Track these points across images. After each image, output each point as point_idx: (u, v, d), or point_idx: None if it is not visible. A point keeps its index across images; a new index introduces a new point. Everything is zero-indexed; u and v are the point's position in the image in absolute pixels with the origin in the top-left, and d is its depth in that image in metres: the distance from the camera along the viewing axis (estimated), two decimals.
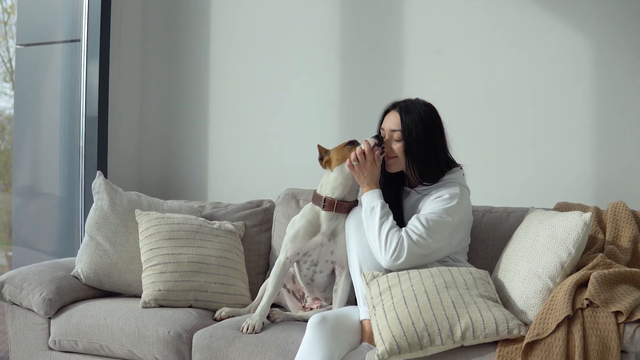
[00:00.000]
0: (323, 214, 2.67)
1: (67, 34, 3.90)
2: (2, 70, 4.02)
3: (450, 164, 2.65)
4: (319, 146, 2.74)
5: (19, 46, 3.95)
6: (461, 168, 2.68)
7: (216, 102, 3.94)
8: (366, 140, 2.62)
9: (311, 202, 2.72)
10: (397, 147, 2.62)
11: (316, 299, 2.82)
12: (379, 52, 3.59)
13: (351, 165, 2.61)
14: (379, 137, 2.62)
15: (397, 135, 2.61)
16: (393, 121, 2.63)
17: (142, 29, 4.05)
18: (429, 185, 2.62)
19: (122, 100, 3.93)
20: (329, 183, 2.68)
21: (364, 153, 2.58)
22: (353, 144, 2.67)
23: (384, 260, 2.48)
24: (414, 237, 2.47)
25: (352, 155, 2.60)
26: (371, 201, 2.57)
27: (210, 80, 3.94)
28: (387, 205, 2.56)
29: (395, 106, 2.66)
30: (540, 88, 3.31)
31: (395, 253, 2.45)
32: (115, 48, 3.86)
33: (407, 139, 2.59)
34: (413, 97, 2.69)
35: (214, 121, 3.94)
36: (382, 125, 2.68)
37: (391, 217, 2.53)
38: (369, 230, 2.54)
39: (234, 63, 3.90)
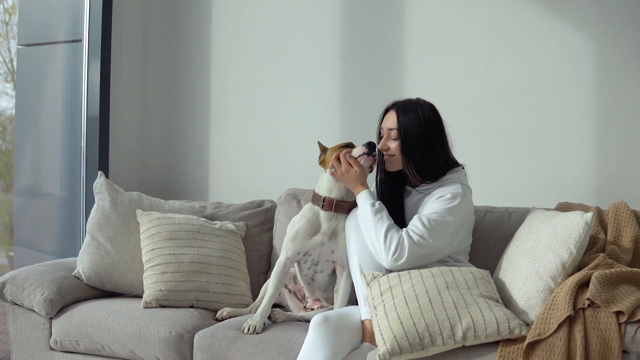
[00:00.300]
0: (322, 213, 2.68)
1: (68, 34, 3.90)
2: (4, 70, 4.03)
3: (451, 163, 2.66)
4: (319, 143, 2.74)
5: (20, 46, 3.95)
6: (463, 168, 2.68)
7: (217, 102, 3.94)
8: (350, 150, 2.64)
9: (311, 202, 2.72)
10: (394, 145, 2.63)
11: (317, 299, 2.82)
12: (380, 53, 3.59)
13: (331, 172, 2.64)
14: (369, 145, 2.61)
15: (394, 133, 2.63)
16: (391, 120, 2.65)
17: (143, 29, 4.05)
18: (429, 183, 2.63)
19: (123, 100, 3.93)
20: (325, 184, 2.69)
21: (340, 159, 2.62)
22: (348, 146, 2.67)
23: (385, 260, 2.47)
24: (415, 237, 2.47)
25: (333, 158, 2.63)
26: (362, 204, 2.58)
27: (211, 80, 3.95)
28: (378, 202, 2.56)
29: (394, 105, 2.68)
30: (541, 88, 3.31)
31: (396, 254, 2.45)
32: (117, 48, 3.86)
33: (403, 137, 2.60)
34: (414, 97, 2.70)
35: (215, 121, 3.94)
36: (382, 124, 2.69)
37: (385, 216, 2.52)
38: (365, 232, 2.54)
39: (235, 63, 3.90)
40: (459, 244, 2.61)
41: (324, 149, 2.74)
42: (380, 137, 2.71)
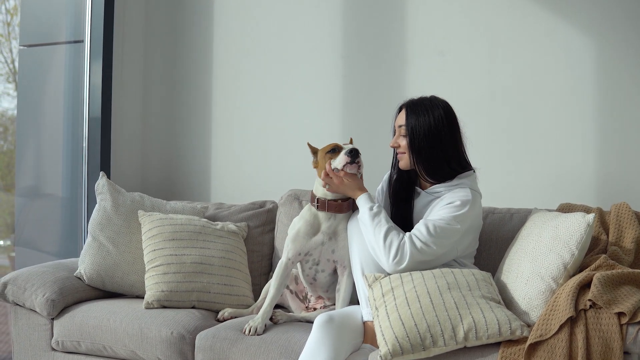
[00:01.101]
0: (321, 214, 2.68)
1: (70, 34, 3.91)
2: (5, 71, 4.03)
3: (463, 165, 2.62)
4: (309, 145, 2.74)
5: (22, 47, 3.95)
6: (474, 171, 2.65)
7: (219, 102, 3.94)
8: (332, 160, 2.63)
9: (309, 203, 2.73)
10: (404, 143, 2.62)
11: (320, 297, 2.82)
12: (382, 53, 3.59)
13: (324, 185, 2.64)
14: (351, 153, 2.58)
15: (403, 130, 2.62)
16: (402, 117, 2.64)
17: (145, 30, 4.05)
18: (439, 186, 2.61)
19: (125, 101, 3.93)
20: (319, 185, 2.69)
21: (332, 172, 2.61)
22: (335, 150, 2.64)
23: (386, 264, 2.46)
24: (418, 244, 2.45)
25: (322, 176, 2.63)
26: (360, 208, 2.57)
27: (213, 80, 3.95)
28: (377, 206, 2.54)
29: (406, 103, 2.66)
30: (544, 89, 3.31)
31: (397, 258, 2.44)
32: (118, 49, 3.87)
33: (410, 135, 2.59)
34: (428, 95, 2.67)
35: (217, 122, 3.94)
36: (394, 122, 2.69)
37: (383, 219, 2.50)
38: (365, 236, 2.53)
39: (236, 63, 3.90)
40: (465, 249, 2.60)
41: (314, 151, 2.73)
42: (394, 135, 2.69)
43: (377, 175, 2.90)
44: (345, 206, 2.66)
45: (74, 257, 3.31)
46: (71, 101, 3.89)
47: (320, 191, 2.68)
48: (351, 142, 2.74)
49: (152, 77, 4.06)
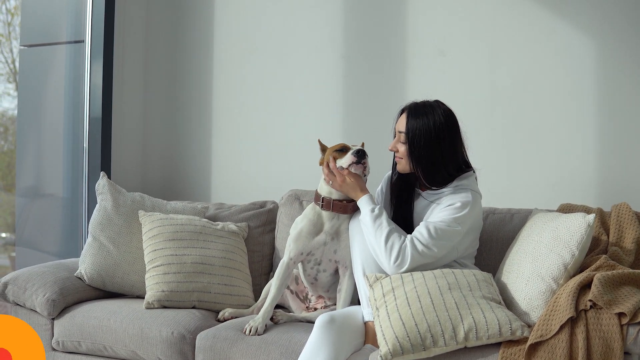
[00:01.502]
0: (324, 213, 2.67)
1: (70, 35, 3.91)
2: (6, 71, 4.03)
3: (462, 168, 2.61)
4: (319, 141, 2.74)
5: (22, 47, 3.96)
6: (474, 172, 2.64)
7: (220, 102, 3.94)
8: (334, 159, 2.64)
9: (313, 202, 2.72)
10: (403, 149, 2.61)
11: (320, 297, 2.82)
12: (383, 53, 3.59)
13: (327, 181, 2.64)
14: (358, 154, 2.59)
15: (403, 137, 2.60)
16: (402, 122, 2.61)
17: (145, 30, 4.05)
18: (436, 189, 2.61)
19: (125, 101, 3.93)
20: (325, 185, 2.69)
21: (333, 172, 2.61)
22: (342, 150, 2.64)
23: (387, 267, 2.46)
24: (419, 246, 2.45)
25: (325, 171, 2.63)
26: (362, 209, 2.57)
27: (213, 80, 3.95)
28: (378, 207, 2.54)
29: (408, 107, 2.63)
30: (544, 89, 3.31)
31: (398, 261, 2.44)
32: (119, 49, 3.87)
33: (410, 142, 2.57)
34: (430, 98, 2.64)
35: (217, 122, 3.94)
36: (395, 125, 2.67)
37: (385, 221, 2.50)
38: (366, 238, 2.53)
39: (237, 63, 3.90)
40: (465, 249, 2.60)
41: (323, 149, 2.73)
42: (394, 137, 2.68)
43: (377, 176, 2.89)
44: (349, 207, 2.66)
45: (75, 257, 3.31)
46: (72, 101, 3.89)
47: (325, 190, 2.68)
48: (362, 146, 2.74)
49: (153, 77, 4.06)
